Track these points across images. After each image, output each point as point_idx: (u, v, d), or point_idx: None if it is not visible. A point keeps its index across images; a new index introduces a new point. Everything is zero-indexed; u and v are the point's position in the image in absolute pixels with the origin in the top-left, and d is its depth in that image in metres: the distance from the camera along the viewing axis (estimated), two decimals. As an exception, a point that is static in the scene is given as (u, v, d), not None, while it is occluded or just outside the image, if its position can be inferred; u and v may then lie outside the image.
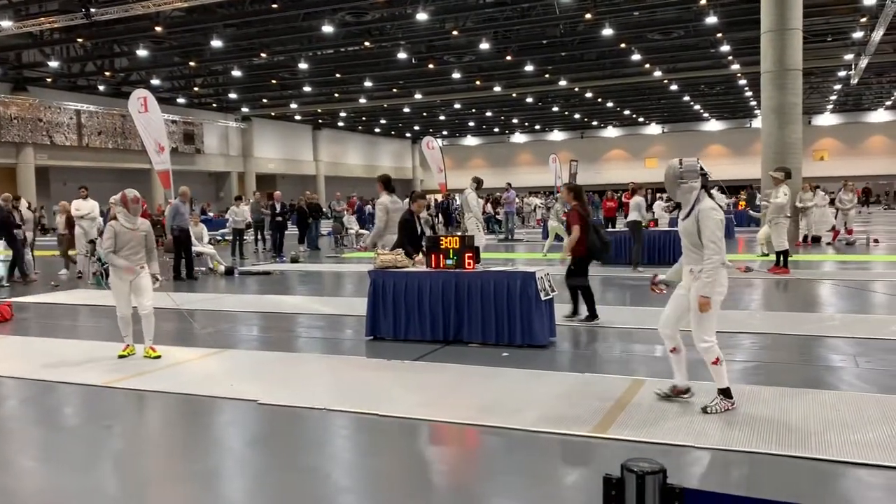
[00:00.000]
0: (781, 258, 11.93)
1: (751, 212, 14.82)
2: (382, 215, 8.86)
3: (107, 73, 32.33)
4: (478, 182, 13.93)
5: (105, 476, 4.25)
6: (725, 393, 4.75)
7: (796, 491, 3.71)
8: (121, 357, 6.93)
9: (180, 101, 39.90)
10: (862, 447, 4.10)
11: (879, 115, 51.72)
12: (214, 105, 43.63)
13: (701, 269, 4.63)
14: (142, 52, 27.63)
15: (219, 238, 22.16)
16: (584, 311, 8.10)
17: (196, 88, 37.96)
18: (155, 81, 33.43)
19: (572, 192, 8.16)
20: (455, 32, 25.90)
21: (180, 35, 26.99)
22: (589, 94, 41.44)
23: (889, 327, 7.59)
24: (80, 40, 26.64)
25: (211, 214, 34.30)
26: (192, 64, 30.85)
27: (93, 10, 20.73)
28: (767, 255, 13.96)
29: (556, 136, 60.72)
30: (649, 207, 18.50)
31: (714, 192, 4.83)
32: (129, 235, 6.85)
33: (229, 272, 14.21)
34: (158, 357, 6.85)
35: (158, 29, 24.25)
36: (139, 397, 5.74)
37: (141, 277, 6.89)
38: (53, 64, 29.99)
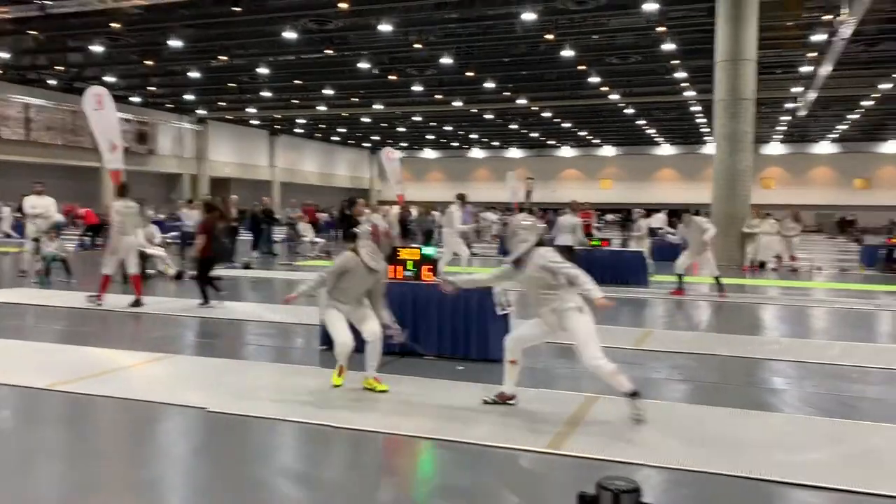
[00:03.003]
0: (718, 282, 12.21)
1: (669, 236, 15.13)
2: (118, 218, 10.03)
3: (59, 68, 31.48)
4: (462, 198, 13.92)
5: (40, 483, 4.09)
6: (634, 395, 4.98)
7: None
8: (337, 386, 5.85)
9: (134, 99, 39.07)
10: (806, 468, 4.21)
11: (824, 147, 53.56)
12: (170, 105, 42.85)
13: (576, 295, 5.06)
14: (96, 48, 27.00)
15: (169, 241, 21.69)
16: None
17: (151, 88, 37.23)
18: (109, 78, 32.66)
19: (207, 206, 10.48)
20: (418, 45, 25.97)
21: (138, 33, 26.43)
22: (547, 114, 41.94)
23: (828, 352, 7.81)
24: (32, 32, 25.90)
25: (161, 217, 33.58)
26: (148, 63, 30.26)
27: (48, 2, 20.20)
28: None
29: (514, 153, 61.26)
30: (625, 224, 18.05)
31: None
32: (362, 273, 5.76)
33: (179, 276, 13.90)
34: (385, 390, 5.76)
35: (115, 25, 23.72)
36: (81, 401, 5.56)
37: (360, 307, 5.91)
38: (3, 55, 29.07)
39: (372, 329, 5.74)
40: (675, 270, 12.43)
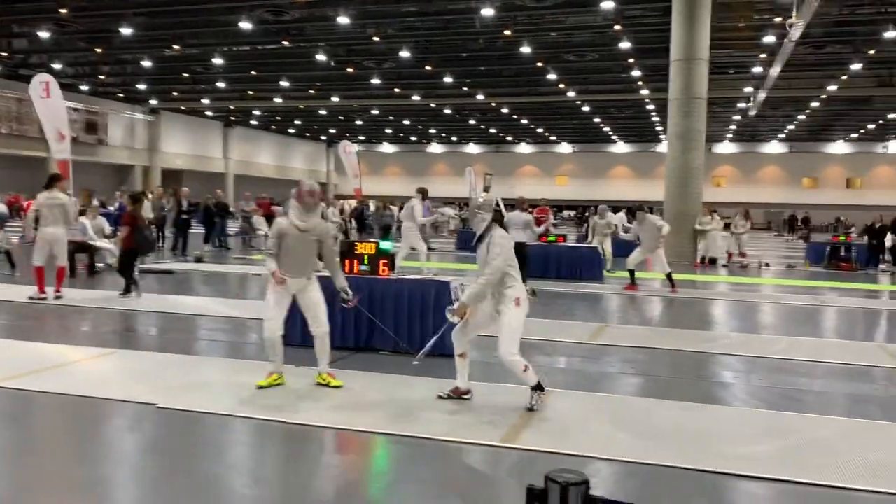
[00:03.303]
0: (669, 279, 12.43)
1: (622, 233, 15.36)
2: (32, 210, 10.38)
3: (3, 54, 30.47)
4: (423, 192, 13.82)
5: (-16, 482, 3.96)
6: (538, 387, 5.21)
7: (692, 503, 3.86)
8: (261, 388, 5.60)
9: (83, 88, 38.04)
10: (753, 460, 4.31)
11: (774, 147, 54.97)
12: (121, 95, 41.84)
13: (495, 288, 5.12)
14: (44, 34, 26.20)
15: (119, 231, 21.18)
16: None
17: (101, 76, 36.28)
18: (57, 66, 31.73)
19: (132, 198, 11.31)
20: (376, 38, 25.83)
21: (87, 20, 25.73)
22: (505, 110, 42.14)
23: (775, 346, 8.02)
24: (-25, 17, 25.02)
25: (111, 209, 32.77)
26: (98, 51, 29.48)
27: (-9, -15, 19.54)
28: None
29: (472, 148, 61.45)
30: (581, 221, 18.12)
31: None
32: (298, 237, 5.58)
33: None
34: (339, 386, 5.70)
35: (63, 11, 23.04)
36: (25, 398, 5.39)
37: (310, 289, 5.73)
38: (-56, 40, 28.06)
39: (319, 320, 5.71)
40: (627, 266, 12.62)
